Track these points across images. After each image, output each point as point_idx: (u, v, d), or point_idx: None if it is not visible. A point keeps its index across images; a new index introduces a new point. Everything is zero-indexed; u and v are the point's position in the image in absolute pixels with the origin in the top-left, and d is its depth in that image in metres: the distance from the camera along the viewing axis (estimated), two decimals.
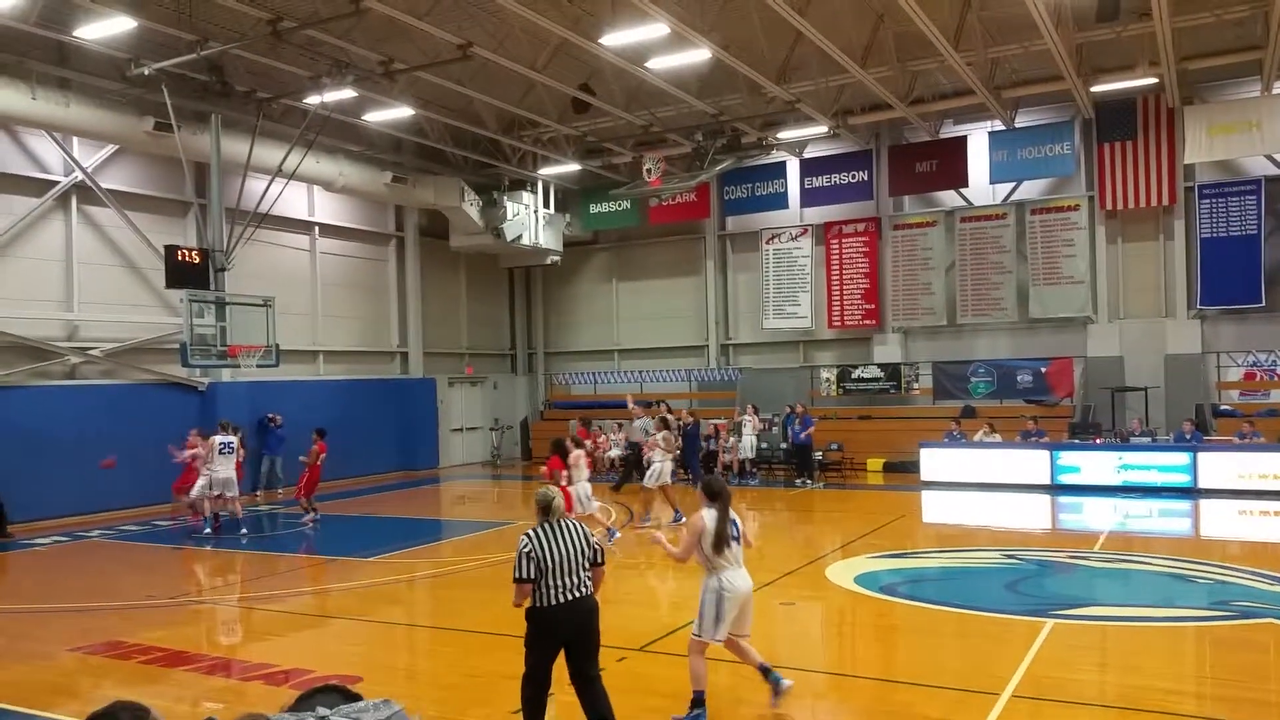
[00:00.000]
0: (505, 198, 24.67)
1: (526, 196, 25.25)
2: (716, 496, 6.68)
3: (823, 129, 21.06)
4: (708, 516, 6.62)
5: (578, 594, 5.90)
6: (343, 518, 17.50)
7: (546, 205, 26.08)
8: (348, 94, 17.37)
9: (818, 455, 21.87)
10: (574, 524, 6.12)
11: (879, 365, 24.21)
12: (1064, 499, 18.09)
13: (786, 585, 11.17)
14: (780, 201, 25.23)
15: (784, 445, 22.27)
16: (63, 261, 18.08)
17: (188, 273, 16.51)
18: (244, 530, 15.74)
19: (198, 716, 7.02)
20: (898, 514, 16.66)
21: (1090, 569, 12.12)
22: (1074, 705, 6.90)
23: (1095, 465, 18.69)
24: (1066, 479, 18.75)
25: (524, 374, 30.03)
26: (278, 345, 17.49)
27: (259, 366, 17.47)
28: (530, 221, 25.37)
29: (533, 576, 5.82)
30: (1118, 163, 21.63)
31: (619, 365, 28.37)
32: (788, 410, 21.73)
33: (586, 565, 5.97)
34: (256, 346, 17.03)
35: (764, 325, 25.95)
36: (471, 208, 24.11)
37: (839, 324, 24.98)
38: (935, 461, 20.12)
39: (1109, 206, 21.89)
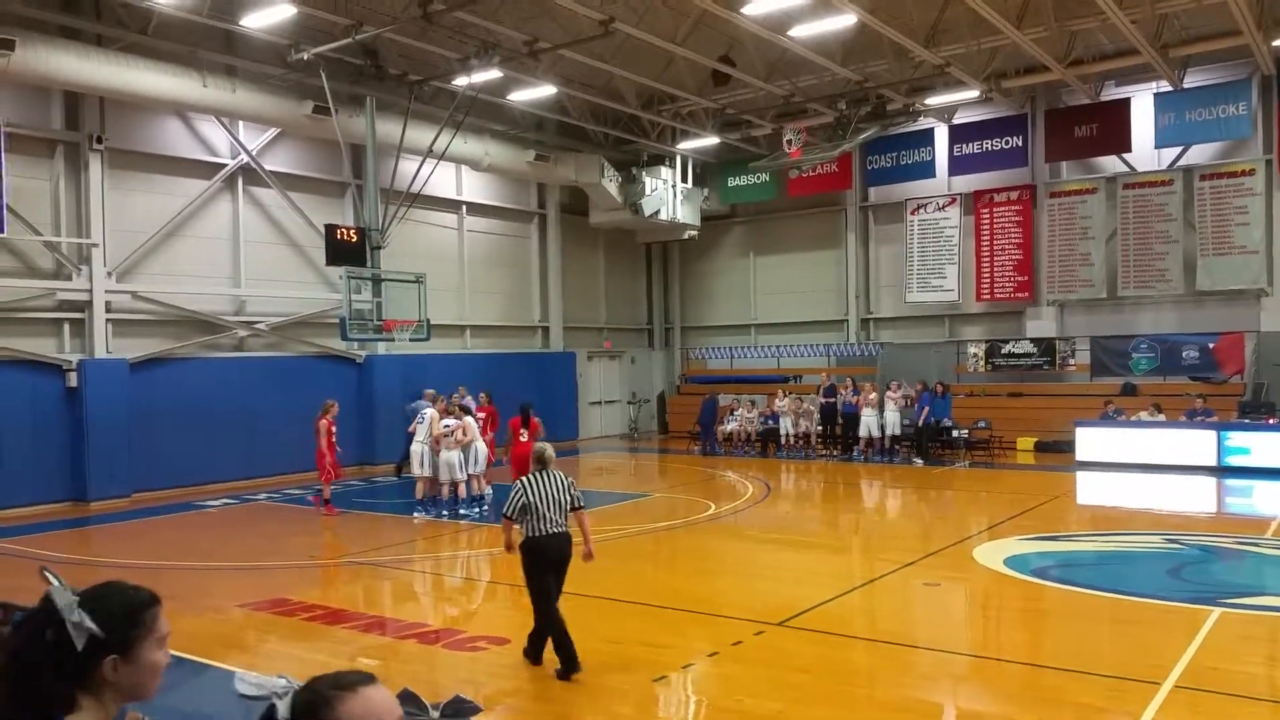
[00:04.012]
0: (644, 173, 24.78)
1: (665, 171, 25.28)
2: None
3: (974, 93, 20.21)
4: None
5: (560, 529, 7.37)
6: (493, 486, 18.07)
7: (684, 180, 26.04)
8: (494, 74, 17.75)
9: (963, 433, 21.27)
10: (560, 475, 7.57)
11: (1031, 340, 23.22)
12: (1232, 482, 17.04)
13: (930, 565, 10.93)
14: (926, 170, 24.43)
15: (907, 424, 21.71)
16: (230, 240, 19.18)
17: (346, 250, 17.27)
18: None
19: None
20: (1050, 495, 16.03)
21: (1261, 556, 11.40)
22: (1241, 699, 6.54)
23: (1268, 447, 17.47)
24: (1235, 460, 17.64)
25: (661, 349, 30.21)
26: (428, 320, 18.13)
27: (411, 340, 18.16)
28: (668, 196, 25.40)
29: (513, 516, 7.35)
30: None
31: (756, 340, 28.19)
32: (920, 387, 21.15)
33: (567, 509, 7.43)
34: (409, 321, 17.69)
35: (907, 299, 25.26)
36: (611, 184, 24.33)
37: (988, 297, 24.08)
38: (1091, 441, 19.22)
39: None
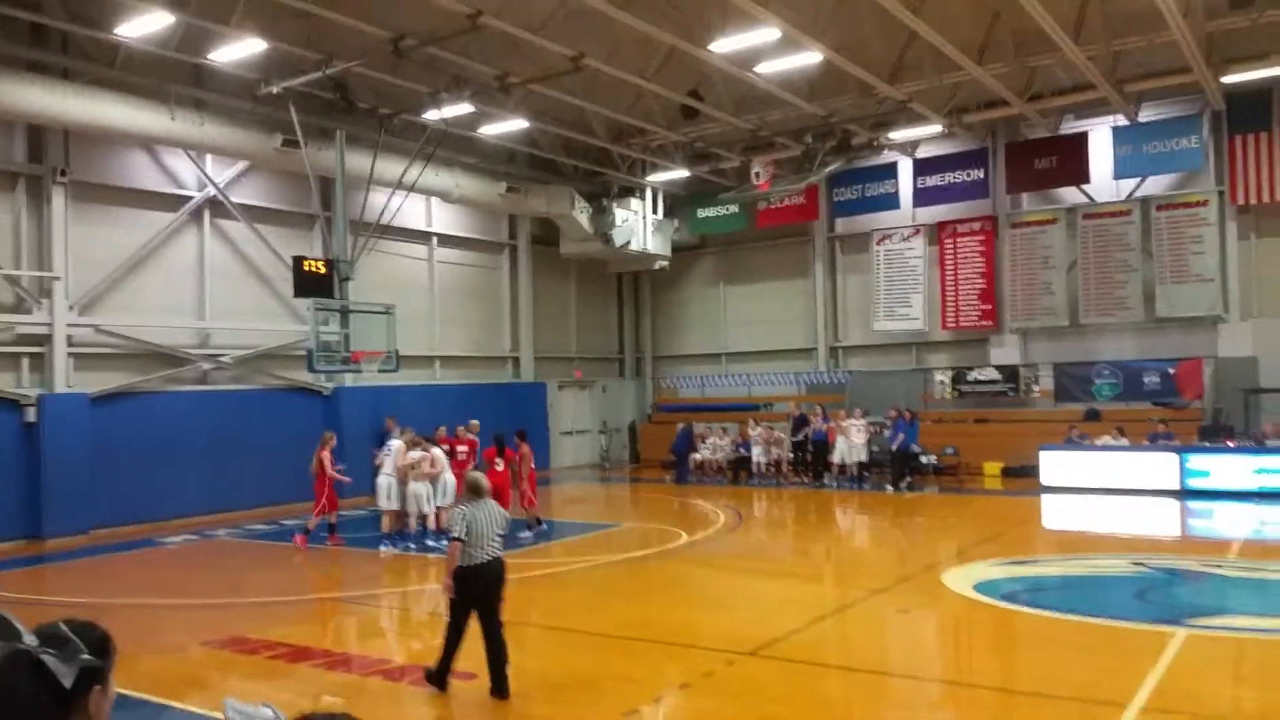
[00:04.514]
0: (614, 205, 24.93)
1: (635, 203, 25.46)
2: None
3: (936, 128, 20.61)
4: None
5: (493, 555, 7.54)
6: None
7: (655, 211, 26.24)
8: (465, 108, 17.83)
9: (931, 459, 21.45)
10: (493, 504, 7.78)
11: (996, 367, 23.55)
12: (1194, 504, 17.29)
13: (902, 592, 10.99)
14: (891, 202, 24.81)
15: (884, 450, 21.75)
16: (195, 273, 19.01)
17: (314, 282, 17.15)
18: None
19: (319, 709, 7.32)
20: (1018, 519, 16.19)
21: (1224, 578, 11.58)
22: None
23: (1228, 469, 17.85)
24: (1196, 483, 17.94)
25: (632, 378, 30.26)
26: (397, 351, 18.02)
27: (380, 371, 18.04)
28: (639, 227, 25.57)
29: (463, 537, 7.40)
30: (1251, 156, 20.54)
31: (726, 369, 28.32)
32: (894, 414, 21.22)
33: (500, 535, 7.64)
34: (378, 353, 17.57)
35: (874, 327, 25.53)
36: (581, 215, 24.45)
37: (953, 325, 24.40)
38: (1056, 465, 19.46)
39: (1241, 201, 20.81)
